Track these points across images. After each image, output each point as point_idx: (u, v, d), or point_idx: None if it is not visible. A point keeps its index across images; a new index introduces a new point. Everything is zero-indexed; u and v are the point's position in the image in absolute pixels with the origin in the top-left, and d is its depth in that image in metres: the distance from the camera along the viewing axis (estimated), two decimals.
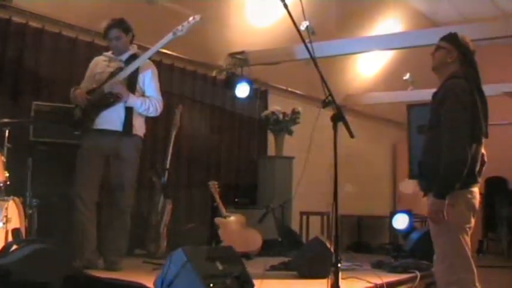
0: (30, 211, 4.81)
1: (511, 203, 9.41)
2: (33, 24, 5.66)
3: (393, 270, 5.46)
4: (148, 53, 4.95)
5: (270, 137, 8.26)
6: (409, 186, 9.91)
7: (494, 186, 9.53)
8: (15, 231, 4.03)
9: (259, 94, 8.31)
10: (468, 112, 3.37)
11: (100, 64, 5.07)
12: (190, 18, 4.79)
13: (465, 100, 3.38)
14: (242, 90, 7.54)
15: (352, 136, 3.27)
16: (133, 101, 4.87)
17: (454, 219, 3.32)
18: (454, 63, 3.54)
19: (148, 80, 5.01)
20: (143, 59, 4.93)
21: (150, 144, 6.32)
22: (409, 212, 7.64)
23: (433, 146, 3.43)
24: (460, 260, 3.36)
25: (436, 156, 3.36)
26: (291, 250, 6.25)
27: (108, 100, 4.83)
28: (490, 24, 6.95)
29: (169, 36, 4.82)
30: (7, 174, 4.28)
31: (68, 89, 5.02)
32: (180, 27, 4.79)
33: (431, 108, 3.54)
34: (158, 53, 5.21)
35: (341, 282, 3.22)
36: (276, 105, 8.16)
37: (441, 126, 3.39)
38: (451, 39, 3.59)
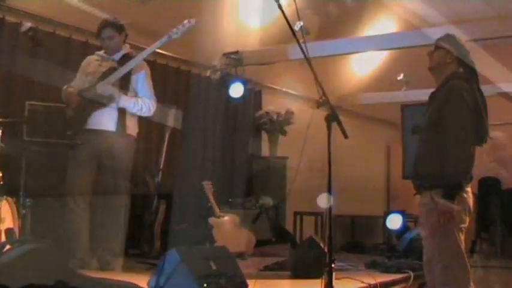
0: (24, 211, 4.78)
1: (504, 204, 9.42)
2: (27, 23, 5.64)
3: (387, 270, 5.48)
4: (143, 55, 4.94)
5: (264, 137, 8.25)
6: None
7: (487, 186, 9.53)
8: (9, 231, 4.02)
9: (254, 94, 8.31)
10: (473, 113, 3.38)
11: (92, 63, 5.04)
12: (186, 22, 4.80)
13: (469, 101, 3.39)
14: (236, 90, 7.51)
15: (346, 136, 3.27)
16: (126, 102, 4.86)
17: None
18: (453, 63, 3.56)
19: (142, 81, 5.00)
20: (138, 60, 4.92)
21: (143, 144, 6.30)
22: (402, 212, 7.64)
23: (432, 146, 3.43)
24: (456, 260, 3.37)
25: (435, 156, 3.36)
26: (284, 250, 6.25)
27: (100, 101, 4.81)
28: (484, 24, 6.95)
29: (164, 39, 4.84)
30: (0, 174, 4.27)
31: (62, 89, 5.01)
32: (175, 30, 4.80)
33: (429, 108, 3.54)
34: (152, 52, 5.22)
35: (335, 283, 3.21)
36: (270, 105, 8.16)
37: (444, 126, 3.39)
38: (450, 40, 3.60)
